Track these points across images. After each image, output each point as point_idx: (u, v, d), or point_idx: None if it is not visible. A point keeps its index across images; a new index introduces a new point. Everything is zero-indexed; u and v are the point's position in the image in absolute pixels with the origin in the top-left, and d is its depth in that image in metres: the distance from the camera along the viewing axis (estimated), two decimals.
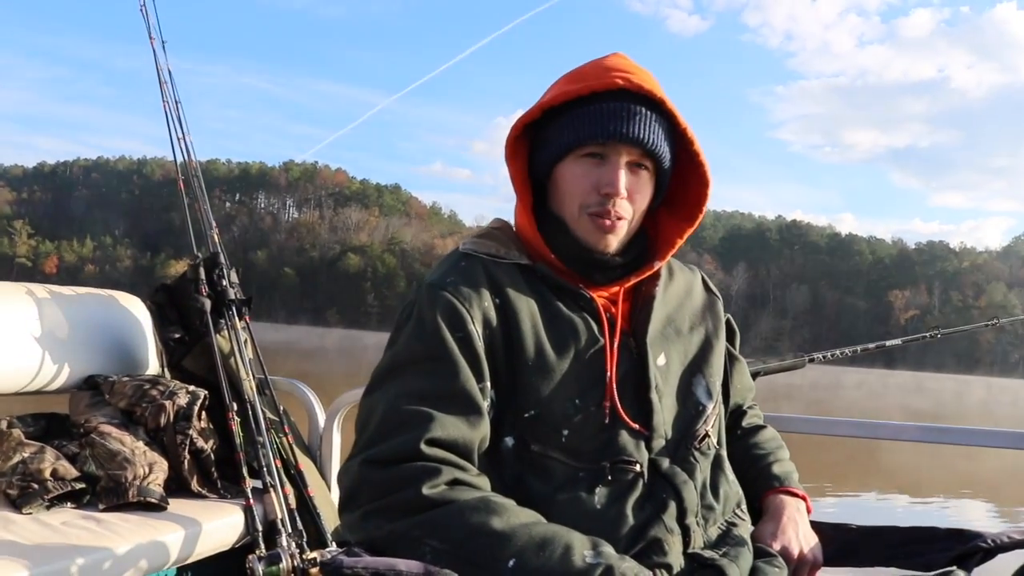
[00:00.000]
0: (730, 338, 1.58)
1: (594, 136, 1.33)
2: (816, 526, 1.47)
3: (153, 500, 2.09)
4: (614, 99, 1.33)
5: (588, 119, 1.33)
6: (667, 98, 1.35)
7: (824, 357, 2.73)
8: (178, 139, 2.76)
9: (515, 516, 1.16)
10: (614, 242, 1.38)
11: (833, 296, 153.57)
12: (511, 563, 1.11)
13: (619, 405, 1.30)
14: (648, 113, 1.34)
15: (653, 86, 1.34)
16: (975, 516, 9.80)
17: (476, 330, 1.28)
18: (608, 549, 1.15)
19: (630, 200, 1.36)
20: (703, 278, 1.59)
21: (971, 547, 1.36)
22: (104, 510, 2.05)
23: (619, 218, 1.36)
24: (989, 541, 1.36)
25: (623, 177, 1.34)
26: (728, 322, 1.57)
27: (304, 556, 1.89)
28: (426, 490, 1.15)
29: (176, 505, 2.14)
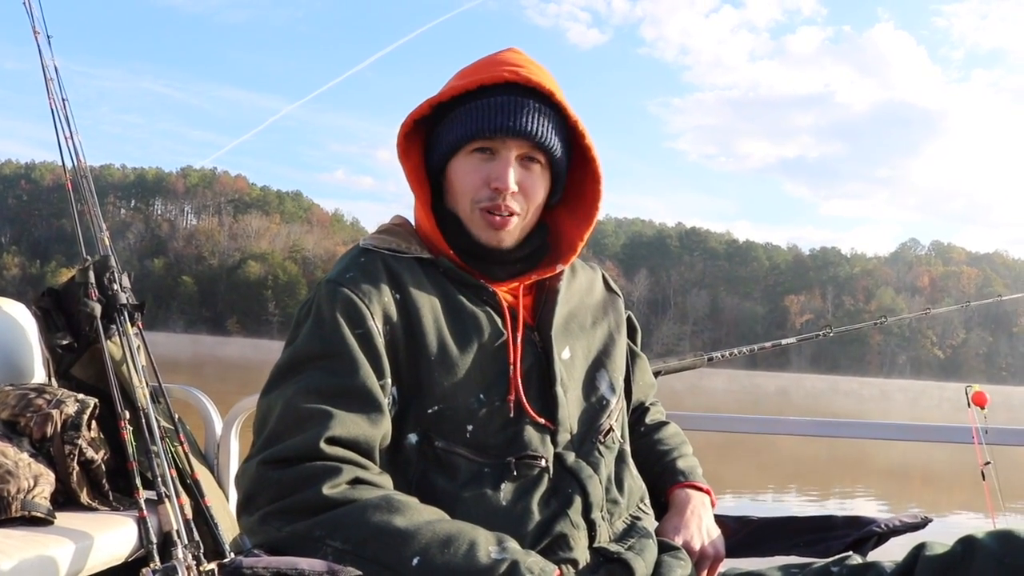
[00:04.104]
0: (631, 335, 1.59)
1: (482, 130, 1.32)
2: (720, 519, 1.50)
3: (39, 514, 1.99)
4: (503, 92, 1.32)
5: (476, 114, 1.32)
6: (557, 91, 1.34)
7: (722, 356, 2.79)
8: (65, 138, 2.65)
9: (418, 514, 1.14)
10: (507, 238, 1.37)
11: (732, 301, 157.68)
12: (415, 561, 1.08)
13: (524, 399, 1.30)
14: (537, 106, 1.33)
15: (543, 79, 1.33)
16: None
17: (376, 326, 1.26)
18: (513, 544, 1.14)
19: (523, 195, 1.36)
20: (604, 276, 1.60)
21: (866, 532, 1.43)
22: None
23: (511, 214, 1.35)
24: (882, 526, 1.43)
25: (513, 171, 1.33)
26: (629, 319, 1.59)
27: (201, 568, 1.82)
28: (327, 490, 1.13)
29: (64, 519, 2.04)
